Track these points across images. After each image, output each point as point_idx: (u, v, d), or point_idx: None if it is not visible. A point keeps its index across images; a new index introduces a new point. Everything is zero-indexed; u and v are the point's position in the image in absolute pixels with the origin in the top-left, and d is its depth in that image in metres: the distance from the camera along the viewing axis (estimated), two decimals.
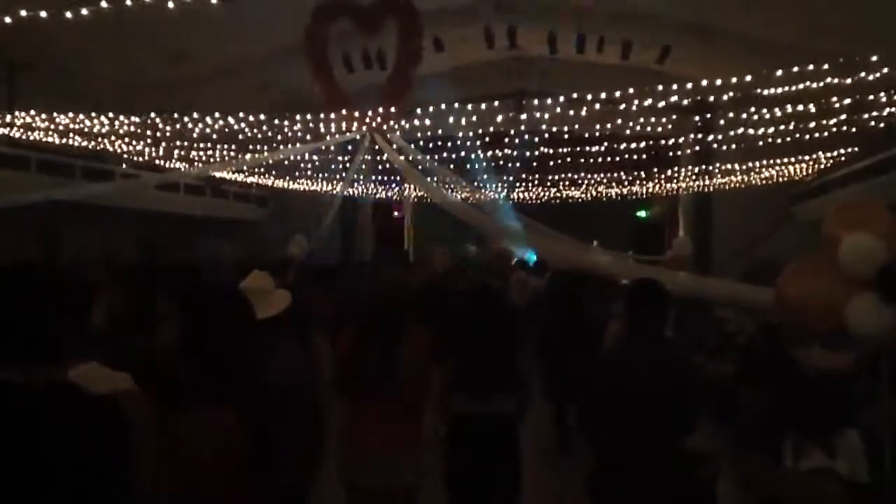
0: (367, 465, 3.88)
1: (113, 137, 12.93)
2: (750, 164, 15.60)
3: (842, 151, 14.36)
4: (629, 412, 3.55)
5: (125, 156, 14.97)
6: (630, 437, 3.54)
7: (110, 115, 11.18)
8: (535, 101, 13.04)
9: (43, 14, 7.45)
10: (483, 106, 12.18)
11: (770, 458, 3.27)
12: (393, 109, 11.63)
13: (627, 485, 3.52)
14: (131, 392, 2.18)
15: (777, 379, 3.59)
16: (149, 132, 12.26)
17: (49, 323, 1.93)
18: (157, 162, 15.62)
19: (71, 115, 11.00)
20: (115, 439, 1.89)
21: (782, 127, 12.26)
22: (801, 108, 11.26)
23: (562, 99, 12.25)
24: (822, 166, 15.62)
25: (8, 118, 11.06)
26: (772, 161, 15.24)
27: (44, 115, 11.01)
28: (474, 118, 12.62)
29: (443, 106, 12.12)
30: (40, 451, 1.79)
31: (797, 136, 12.68)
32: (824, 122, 11.80)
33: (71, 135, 12.41)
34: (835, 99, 10.68)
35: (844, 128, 11.98)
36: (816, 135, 12.52)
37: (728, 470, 3.70)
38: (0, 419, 1.80)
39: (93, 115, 11.10)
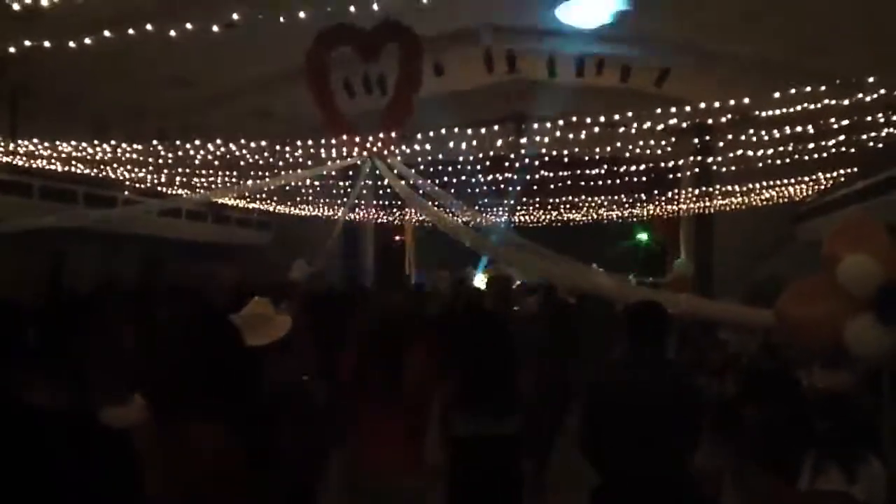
0: (370, 487, 3.87)
1: (115, 164, 13.00)
2: (750, 186, 15.62)
3: (841, 172, 14.39)
4: (631, 432, 3.55)
5: (127, 182, 15.04)
6: (633, 456, 3.53)
7: (112, 142, 11.26)
8: (535, 125, 13.09)
9: (47, 43, 7.53)
10: (483, 130, 12.23)
11: (774, 476, 3.26)
12: (393, 134, 11.69)
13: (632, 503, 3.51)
14: (143, 420, 2.22)
15: (779, 398, 3.58)
16: (151, 159, 12.34)
17: (78, 349, 1.97)
18: (158, 188, 15.70)
19: (73, 142, 11.08)
20: (123, 471, 1.92)
21: (781, 148, 12.31)
22: (799, 129, 11.31)
23: (561, 122, 12.31)
24: (823, 187, 15.65)
25: (11, 146, 11.13)
26: (772, 182, 15.26)
27: (46, 143, 11.09)
28: (474, 142, 12.67)
29: (443, 130, 12.18)
30: (57, 475, 1.83)
31: (796, 156, 12.72)
32: (823, 142, 11.85)
33: (73, 162, 12.48)
34: (833, 120, 10.73)
35: (843, 148, 12.02)
36: (815, 155, 12.56)
37: (731, 487, 3.68)
38: (24, 440, 1.84)
39: (95, 142, 11.18)
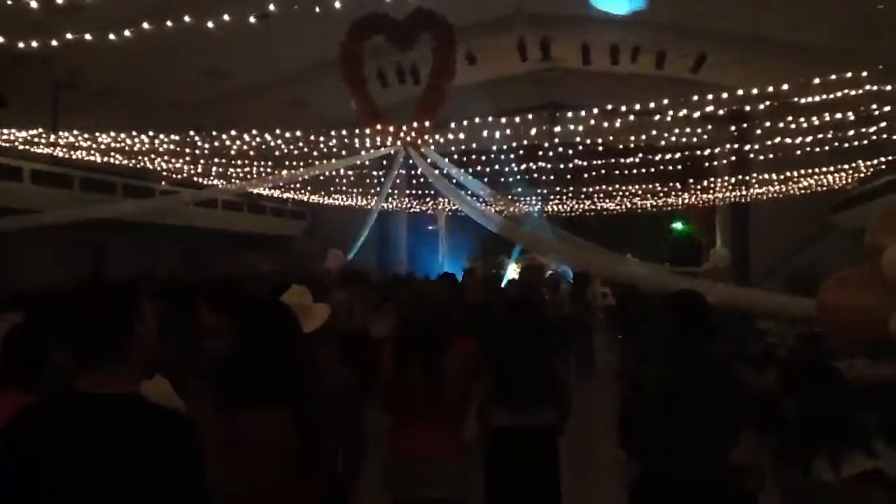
0: (410, 477, 3.90)
1: (153, 155, 13.18)
2: (788, 174, 15.38)
3: (882, 159, 14.12)
4: (673, 424, 3.52)
5: (165, 173, 15.24)
6: (674, 448, 3.51)
7: (150, 133, 11.41)
8: (569, 113, 13.01)
9: (88, 36, 7.64)
10: (517, 119, 12.19)
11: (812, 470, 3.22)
12: (427, 123, 11.70)
13: (671, 497, 3.49)
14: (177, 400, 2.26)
15: (818, 392, 3.54)
16: (188, 150, 12.48)
17: (123, 333, 2.00)
18: (195, 179, 15.89)
19: (112, 133, 11.24)
20: (188, 452, 1.95)
21: (820, 135, 12.10)
22: (839, 116, 11.10)
23: (596, 110, 12.22)
24: (862, 175, 15.36)
25: (52, 138, 11.34)
26: (810, 170, 15.01)
27: (86, 135, 11.27)
28: (508, 131, 12.63)
29: (476, 119, 12.16)
30: (117, 463, 1.85)
31: (836, 144, 12.50)
32: (864, 129, 11.63)
33: (112, 153, 12.68)
34: (874, 106, 10.53)
35: (885, 135, 11.79)
36: (856, 143, 12.33)
37: (772, 482, 3.65)
38: (78, 430, 1.87)
39: (133, 133, 11.34)
